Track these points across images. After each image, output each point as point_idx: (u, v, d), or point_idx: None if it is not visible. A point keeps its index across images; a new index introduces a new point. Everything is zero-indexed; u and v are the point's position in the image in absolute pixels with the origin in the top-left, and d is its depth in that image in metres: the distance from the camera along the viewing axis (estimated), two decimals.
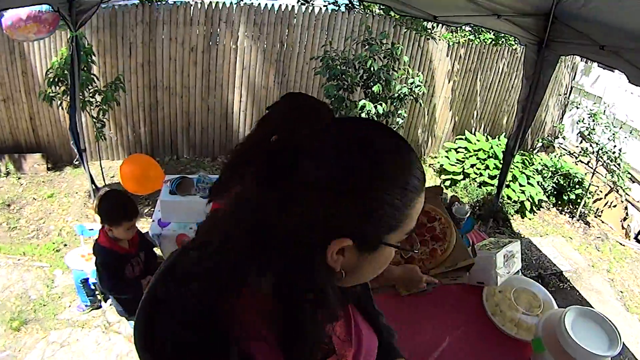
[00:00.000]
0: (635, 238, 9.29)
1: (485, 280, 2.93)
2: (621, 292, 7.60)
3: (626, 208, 9.51)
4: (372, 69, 6.66)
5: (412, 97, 7.39)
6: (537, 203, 9.15)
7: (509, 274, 2.99)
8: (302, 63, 8.65)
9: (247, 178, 1.02)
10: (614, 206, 9.75)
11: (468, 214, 3.52)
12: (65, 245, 6.26)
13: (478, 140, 9.90)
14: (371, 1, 6.28)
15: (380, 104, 6.67)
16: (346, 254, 0.98)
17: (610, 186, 9.75)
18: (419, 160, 1.03)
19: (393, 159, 0.98)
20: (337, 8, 9.77)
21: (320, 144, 0.98)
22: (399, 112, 7.20)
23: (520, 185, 8.94)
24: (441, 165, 9.68)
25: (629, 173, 9.62)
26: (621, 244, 9.02)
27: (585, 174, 9.94)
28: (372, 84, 6.69)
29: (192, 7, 7.81)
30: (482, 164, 9.26)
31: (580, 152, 10.14)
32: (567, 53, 5.12)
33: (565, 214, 9.63)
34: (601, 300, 7.11)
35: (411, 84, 7.28)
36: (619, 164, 9.27)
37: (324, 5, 9.73)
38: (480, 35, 10.48)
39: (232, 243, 0.98)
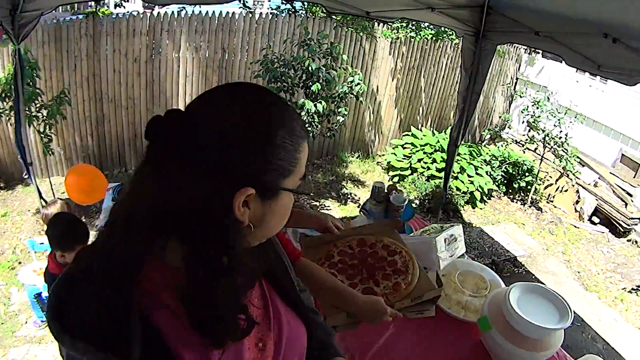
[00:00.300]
0: (589, 220, 9.47)
1: (427, 265, 2.86)
2: (578, 272, 7.75)
3: (577, 191, 9.69)
4: (310, 68, 6.70)
5: (352, 96, 7.43)
6: (487, 193, 9.29)
7: (452, 257, 3.00)
8: (244, 68, 8.60)
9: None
10: (565, 191, 9.93)
11: (406, 202, 3.56)
12: (20, 262, 6.14)
13: (424, 135, 9.99)
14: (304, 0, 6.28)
15: (320, 102, 6.69)
16: (251, 205, 1.01)
17: (560, 171, 9.94)
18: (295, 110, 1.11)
19: (279, 108, 1.05)
20: (278, 13, 9.81)
21: (209, 106, 1.02)
22: (340, 110, 7.22)
23: (469, 176, 9.07)
24: (388, 162, 9.74)
25: (578, 157, 9.84)
26: (575, 226, 9.21)
27: (534, 160, 10.11)
28: (311, 84, 6.71)
29: (134, 18, 7.73)
30: (429, 157, 9.35)
31: (527, 140, 10.33)
32: (504, 42, 5.19)
33: (516, 202, 9.79)
34: (558, 281, 7.22)
35: (351, 82, 7.31)
36: (566, 149, 9.45)
37: (271, 11, 9.77)
38: (420, 32, 10.65)
39: (135, 217, 0.98)
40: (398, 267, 2.50)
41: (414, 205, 7.87)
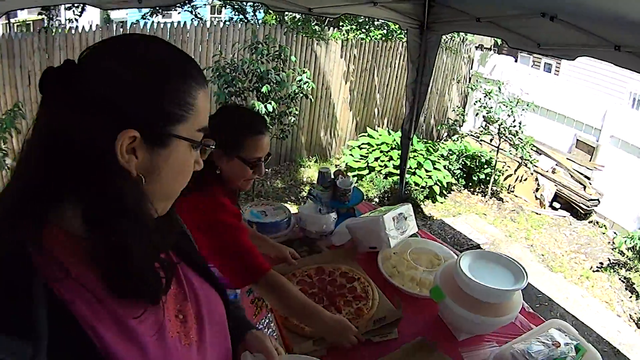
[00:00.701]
0: (550, 205, 9.63)
1: (377, 244, 2.93)
2: (542, 255, 7.87)
3: (537, 179, 9.80)
4: (259, 70, 6.72)
5: (302, 94, 7.48)
6: (446, 186, 9.36)
7: (403, 236, 2.98)
8: None
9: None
10: (525, 180, 10.05)
11: (353, 185, 3.56)
12: None
13: (380, 135, 10.04)
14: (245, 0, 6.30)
15: (270, 103, 6.71)
16: (138, 153, 0.94)
17: (518, 161, 10.06)
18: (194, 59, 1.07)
19: (170, 52, 1.02)
20: (229, 22, 9.85)
21: (99, 50, 0.98)
22: (291, 110, 7.27)
23: (427, 171, 9.12)
24: (346, 164, 9.71)
25: (534, 146, 10.01)
26: (537, 213, 9.34)
27: (491, 151, 10.23)
28: (261, 86, 6.72)
29: (88, 32, 7.65)
30: (386, 155, 9.39)
31: (481, 131, 10.46)
32: (448, 31, 5.26)
33: (477, 194, 9.87)
34: (524, 265, 7.30)
35: (299, 81, 7.36)
36: (521, 139, 9.58)
37: (227, 20, 9.78)
38: (370, 34, 10.69)
39: (28, 172, 0.92)
40: (358, 293, 2.54)
41: (373, 203, 7.86)
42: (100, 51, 0.97)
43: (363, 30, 10.94)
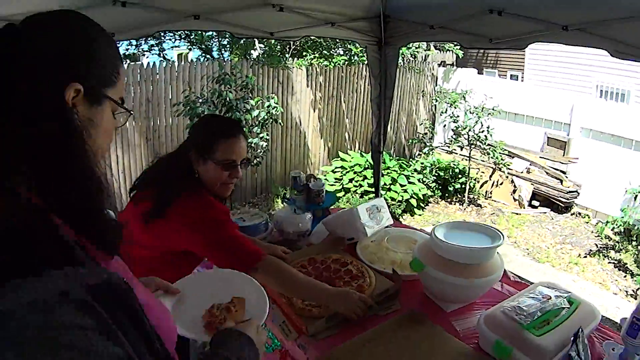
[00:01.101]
0: (530, 204, 9.75)
1: (355, 234, 2.98)
2: (527, 249, 7.96)
3: (512, 181, 9.94)
4: (227, 99, 6.84)
5: (272, 120, 7.62)
6: (422, 199, 9.46)
7: (379, 226, 3.03)
8: (169, 116, 8.54)
9: None
10: (501, 184, 10.17)
11: (324, 186, 3.64)
12: None
13: (352, 158, 10.16)
14: (210, 29, 6.41)
15: None
16: (79, 108, 1.03)
17: (492, 167, 10.20)
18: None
19: (99, 27, 1.14)
20: (196, 59, 9.97)
21: (36, 19, 1.06)
22: (262, 135, 7.37)
23: (401, 185, 9.23)
24: None
25: (506, 150, 10.22)
26: (517, 213, 9.44)
27: (463, 159, 10.38)
28: (230, 115, 6.82)
29: None
30: (360, 176, 9.52)
31: (451, 141, 10.61)
32: (405, 43, 5.34)
33: (455, 203, 9.95)
34: (508, 260, 7.25)
35: (267, 106, 7.48)
36: (491, 144, 9.81)
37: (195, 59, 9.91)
38: (333, 60, 10.89)
39: None
40: (354, 274, 2.57)
41: None
42: (42, 19, 1.06)
43: (326, 57, 11.13)
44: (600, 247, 8.17)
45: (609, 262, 7.70)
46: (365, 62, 10.02)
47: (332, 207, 3.81)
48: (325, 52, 11.50)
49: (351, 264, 2.67)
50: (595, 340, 2.23)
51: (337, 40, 11.13)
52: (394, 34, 4.64)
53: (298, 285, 2.25)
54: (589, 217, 9.46)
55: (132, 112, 1.22)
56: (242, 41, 11.31)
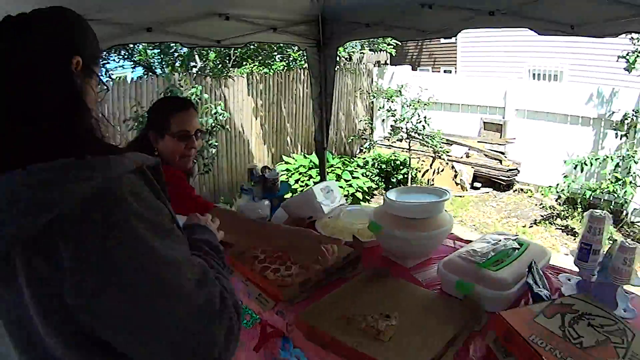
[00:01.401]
0: (472, 186, 10.15)
1: (313, 213, 3.10)
2: (474, 225, 8.25)
3: (453, 167, 10.26)
4: None
5: (219, 126, 7.73)
6: (367, 191, 9.71)
7: (334, 204, 3.17)
8: (122, 133, 8.55)
9: None
10: (442, 170, 10.48)
11: (279, 175, 3.78)
12: None
13: (296, 160, 10.38)
14: (161, 41, 6.53)
15: None
16: (77, 78, 1.24)
17: (432, 156, 10.55)
18: None
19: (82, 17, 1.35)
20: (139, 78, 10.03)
21: (38, 12, 1.25)
22: (210, 142, 7.48)
23: (346, 180, 9.48)
24: None
25: (445, 138, 10.61)
26: (460, 196, 9.74)
27: (403, 151, 10.68)
28: None
29: None
30: (305, 175, 9.73)
31: (390, 134, 11.01)
32: (342, 43, 5.52)
33: None
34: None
35: (215, 114, 7.61)
36: (429, 135, 10.24)
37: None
38: (272, 67, 11.16)
39: None
40: None
41: None
42: (48, 11, 1.26)
43: (265, 65, 11.35)
44: (546, 216, 8.59)
45: (556, 229, 8.08)
46: (304, 66, 10.27)
47: (286, 195, 3.94)
48: (264, 60, 11.69)
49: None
50: (550, 275, 2.41)
51: (275, 47, 11.44)
52: (331, 35, 4.81)
53: (252, 229, 2.35)
54: (531, 192, 9.92)
55: (108, 88, 1.46)
56: (183, 54, 11.49)
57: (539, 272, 2.11)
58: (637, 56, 8.57)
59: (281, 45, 11.09)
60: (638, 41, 8.53)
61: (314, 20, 4.67)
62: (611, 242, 2.21)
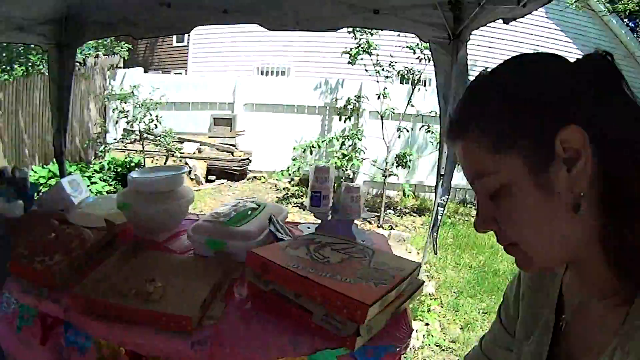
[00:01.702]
0: (207, 180, 10.96)
1: (64, 205, 3.17)
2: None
3: (186, 163, 10.71)
4: None
5: None
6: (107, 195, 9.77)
7: (82, 196, 3.31)
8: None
9: None
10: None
11: (28, 175, 3.61)
12: None
13: (36, 172, 9.84)
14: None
15: None
16: None
17: (165, 155, 11.15)
18: None
19: None
20: None
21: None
22: None
23: (87, 186, 9.26)
24: None
25: (176, 136, 11.33)
26: (197, 190, 10.12)
27: (136, 152, 11.25)
28: None
29: None
30: (46, 186, 9.12)
31: (124, 137, 11.39)
32: (86, 41, 5.89)
33: None
34: None
35: None
36: (160, 134, 10.90)
37: None
38: (13, 72, 10.81)
39: None
40: (74, 234, 2.56)
41: None
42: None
43: (5, 70, 10.89)
44: (282, 197, 9.83)
45: (293, 206, 9.28)
46: (42, 71, 10.42)
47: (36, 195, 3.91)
48: (6, 65, 11.13)
49: (68, 228, 2.64)
50: (291, 228, 2.77)
51: (15, 51, 10.99)
52: (75, 35, 4.82)
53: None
54: (264, 178, 11.02)
55: None
56: None
57: (280, 222, 2.44)
58: (358, 52, 9.91)
59: (21, 48, 10.73)
60: (360, 36, 9.82)
61: (59, 20, 4.63)
62: (336, 186, 2.67)
